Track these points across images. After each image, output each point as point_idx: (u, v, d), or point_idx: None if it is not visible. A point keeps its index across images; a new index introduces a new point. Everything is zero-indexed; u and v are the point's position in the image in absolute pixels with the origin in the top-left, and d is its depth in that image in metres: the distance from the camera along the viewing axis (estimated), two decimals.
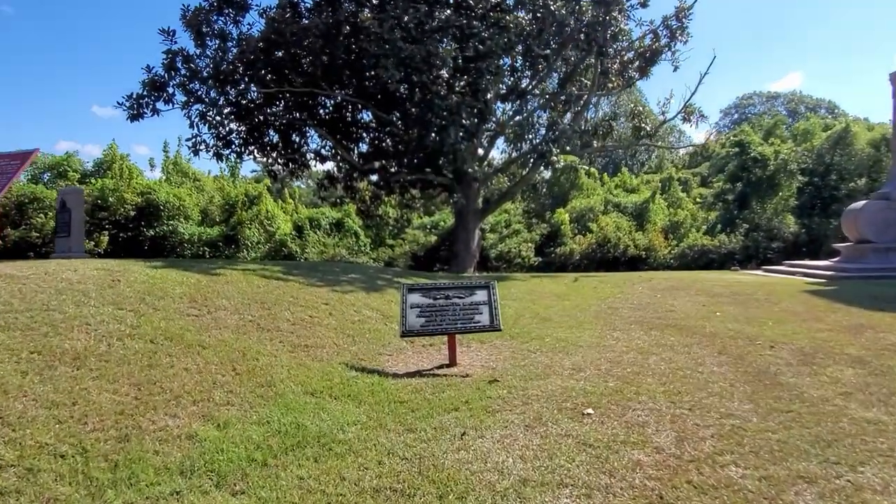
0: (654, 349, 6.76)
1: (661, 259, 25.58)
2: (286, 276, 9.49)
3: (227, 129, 15.62)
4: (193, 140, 15.28)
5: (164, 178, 25.84)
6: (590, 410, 4.67)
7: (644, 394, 5.09)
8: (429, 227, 28.22)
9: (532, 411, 4.69)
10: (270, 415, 4.56)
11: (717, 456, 3.87)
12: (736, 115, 61.90)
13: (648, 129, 20.68)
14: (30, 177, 24.16)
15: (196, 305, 6.90)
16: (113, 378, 4.81)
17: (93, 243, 18.31)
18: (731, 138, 32.72)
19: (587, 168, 31.82)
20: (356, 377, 5.56)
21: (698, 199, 33.64)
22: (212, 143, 15.57)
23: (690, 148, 40.52)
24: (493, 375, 5.68)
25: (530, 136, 18.79)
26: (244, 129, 15.87)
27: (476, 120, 17.89)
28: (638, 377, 5.61)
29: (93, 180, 20.38)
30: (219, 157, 15.65)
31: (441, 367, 6.13)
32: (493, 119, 19.24)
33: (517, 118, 18.36)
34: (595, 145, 20.57)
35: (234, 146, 15.94)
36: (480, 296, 6.28)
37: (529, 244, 26.22)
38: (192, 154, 15.41)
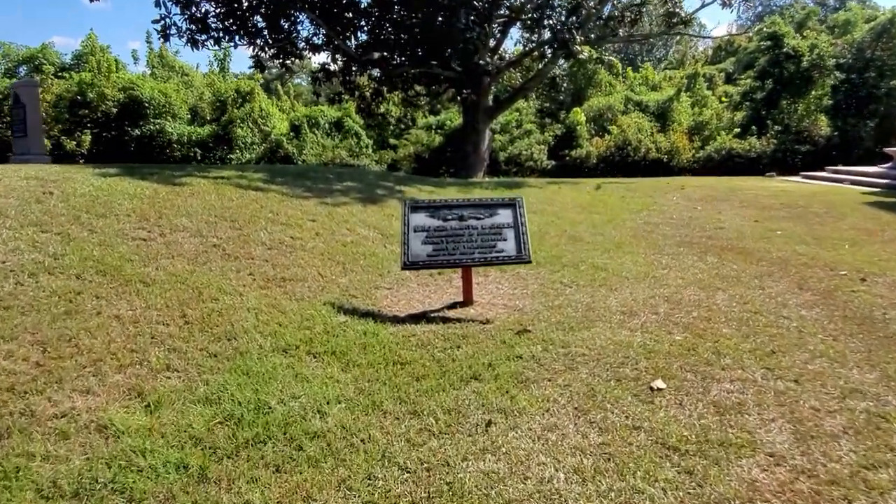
0: (716, 282, 5.44)
1: (685, 163, 23.89)
2: (267, 185, 8.05)
3: (202, 9, 13.52)
4: (162, 22, 13.26)
5: (148, 72, 23.79)
6: (659, 383, 3.40)
7: (726, 354, 3.82)
8: (434, 127, 26.24)
9: (580, 383, 3.43)
10: (224, 386, 3.33)
11: (867, 471, 2.62)
12: (760, 8, 57.05)
13: (683, 14, 18.27)
14: (3, 70, 22.20)
15: (147, 225, 5.54)
16: (11, 333, 3.54)
17: (74, 143, 16.93)
18: (764, 30, 29.82)
19: (612, 60, 29.18)
20: (344, 324, 4.28)
21: (724, 98, 31.25)
22: (184, 26, 13.54)
23: (722, 38, 37.29)
24: (521, 322, 4.40)
25: (550, 22, 16.54)
26: (222, 10, 13.75)
27: (487, 4, 15.62)
28: (710, 326, 4.33)
29: (72, 74, 18.60)
30: (194, 43, 13.67)
31: (453, 305, 4.85)
32: (507, 4, 16.90)
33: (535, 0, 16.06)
34: (621, 34, 18.27)
35: (211, 31, 13.89)
36: (504, 216, 4.87)
37: (542, 146, 24.38)
38: (161, 39, 13.44)
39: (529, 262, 4.73)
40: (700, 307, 4.73)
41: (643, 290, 5.19)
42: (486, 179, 16.37)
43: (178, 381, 3.38)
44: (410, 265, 4.65)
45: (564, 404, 3.20)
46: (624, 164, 23.29)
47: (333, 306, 4.59)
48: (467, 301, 4.89)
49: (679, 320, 4.44)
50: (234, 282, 4.78)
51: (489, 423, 3.00)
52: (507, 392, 3.34)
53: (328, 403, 3.23)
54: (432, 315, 4.63)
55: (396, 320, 4.47)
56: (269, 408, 3.13)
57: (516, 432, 2.93)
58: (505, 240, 4.76)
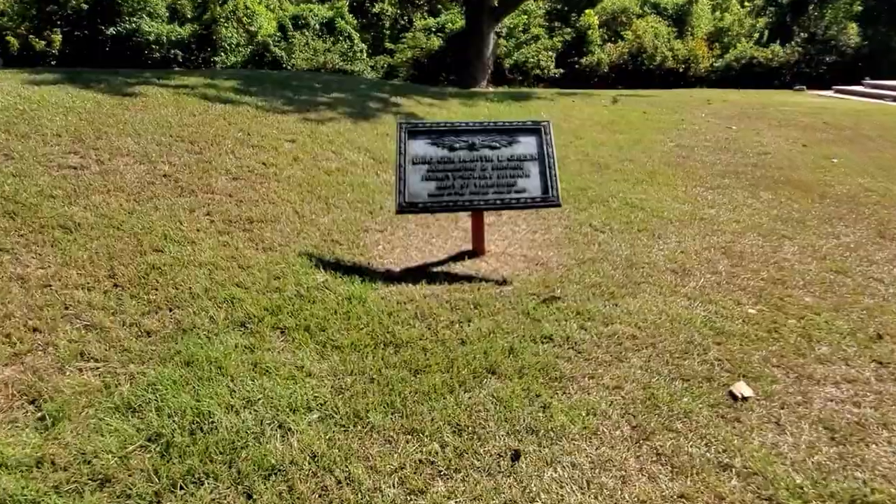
0: (779, 227, 4.48)
1: (702, 73, 22.28)
2: (240, 96, 6.85)
3: None
4: None
5: None
6: (743, 388, 2.53)
7: (819, 338, 2.93)
8: (434, 29, 24.17)
9: (634, 384, 2.56)
10: (154, 385, 2.45)
11: None
12: None
13: None
14: None
15: (81, 149, 4.48)
16: None
17: (45, 43, 15.41)
18: None
19: None
20: (324, 284, 3.35)
21: (746, 3, 28.90)
22: None
23: None
24: (546, 283, 3.47)
25: None
26: None
27: None
28: (786, 293, 3.42)
29: None
30: None
31: (461, 256, 3.91)
32: None
33: None
34: None
35: None
36: (526, 145, 3.82)
37: (550, 53, 22.54)
38: None
39: (559, 205, 3.73)
40: (768, 264, 3.81)
41: (693, 237, 4.24)
42: (491, 90, 14.98)
43: (93, 376, 2.50)
44: (407, 208, 3.65)
45: (617, 421, 2.34)
46: (638, 73, 21.67)
47: (311, 258, 3.64)
48: (478, 251, 3.95)
49: (746, 284, 3.52)
50: (186, 225, 3.80)
51: (516, 456, 2.14)
52: (536, 397, 2.47)
53: (295, 412, 2.36)
54: (434, 270, 3.70)
55: (389, 277, 3.54)
56: (212, 423, 2.26)
57: (555, 471, 2.08)
58: (527, 176, 3.74)
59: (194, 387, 2.45)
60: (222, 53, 19.83)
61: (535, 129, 3.89)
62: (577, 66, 22.49)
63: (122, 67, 14.02)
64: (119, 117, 5.17)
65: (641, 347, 2.84)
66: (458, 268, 3.73)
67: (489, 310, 3.16)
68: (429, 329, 3.00)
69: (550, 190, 3.68)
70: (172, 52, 18.16)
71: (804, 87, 16.49)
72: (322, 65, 21.14)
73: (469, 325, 3.02)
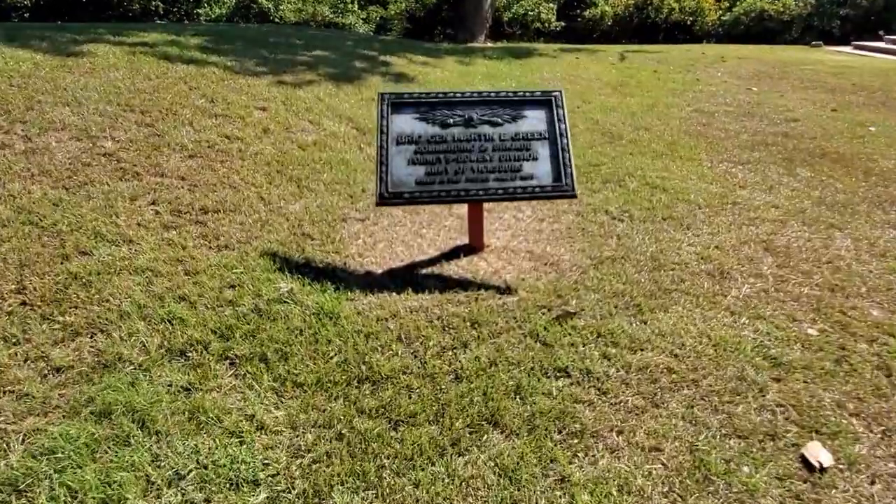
0: (824, 213, 3.87)
1: (709, 27, 21.27)
2: (207, 55, 6.08)
3: None
4: None
5: None
6: (819, 451, 1.97)
7: None
8: None
9: (677, 443, 1.99)
10: (53, 450, 1.87)
11: None
12: None
13: None
14: None
15: (4, 122, 3.79)
16: None
17: None
18: None
19: None
20: (288, 295, 2.74)
21: None
22: None
23: None
24: (558, 291, 2.87)
25: None
26: None
27: None
28: (849, 304, 2.83)
29: None
30: None
31: (456, 252, 3.29)
32: None
33: None
34: None
35: None
36: (534, 121, 3.16)
37: (550, 5, 21.42)
38: None
39: (574, 195, 3.09)
40: (820, 264, 3.20)
41: (727, 227, 3.62)
42: (490, 45, 14.07)
43: None
44: (390, 199, 3.00)
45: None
46: (642, 27, 20.66)
47: (275, 259, 3.02)
48: (476, 246, 3.33)
49: (799, 292, 2.93)
50: (124, 219, 3.16)
51: None
52: (551, 462, 1.91)
53: (237, 490, 1.79)
54: (424, 272, 3.09)
55: (370, 283, 2.93)
56: None
57: None
58: (535, 159, 3.08)
59: (106, 454, 1.88)
60: (206, 5, 18.81)
61: (544, 101, 3.22)
62: (578, 19, 21.42)
63: (100, 21, 13.06)
64: (58, 82, 4.45)
65: (681, 385, 2.26)
66: (451, 268, 3.12)
67: (490, 330, 2.57)
68: (415, 357, 2.41)
69: (564, 177, 3.03)
70: (154, 3, 17.17)
71: (821, 42, 15.57)
72: (312, 17, 20.05)
73: (465, 353, 2.43)
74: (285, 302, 2.71)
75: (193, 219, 3.28)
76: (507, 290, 2.90)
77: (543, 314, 2.69)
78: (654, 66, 9.99)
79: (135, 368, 2.25)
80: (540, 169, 3.07)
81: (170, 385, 2.19)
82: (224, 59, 5.96)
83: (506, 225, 3.68)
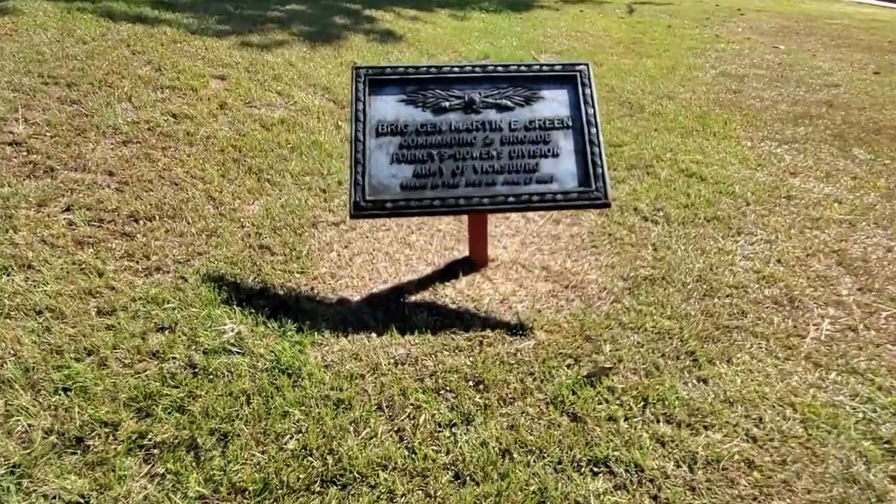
0: None
1: None
2: (160, 11, 5.21)
3: None
4: None
5: None
6: None
7: None
8: None
9: None
10: None
11: None
12: None
13: None
14: None
15: None
16: None
17: None
18: None
19: None
20: (235, 341, 2.08)
21: None
22: None
23: None
24: (585, 331, 2.22)
25: None
26: None
27: None
28: None
29: None
30: None
31: (452, 269, 2.62)
32: None
33: None
34: None
35: None
36: (553, 104, 2.44)
37: None
38: None
39: (607, 204, 2.39)
40: None
41: (785, 231, 2.95)
42: None
43: None
44: (368, 209, 2.30)
45: None
46: None
47: (221, 286, 2.34)
48: (477, 261, 2.66)
49: (893, 328, 2.29)
50: (25, 234, 2.45)
51: None
52: None
53: None
54: (413, 299, 2.42)
55: (343, 317, 2.27)
56: None
57: None
58: (556, 155, 2.37)
59: None
60: None
61: (566, 77, 2.49)
62: None
63: None
64: None
65: (769, 492, 1.63)
66: (448, 293, 2.45)
67: (500, 394, 1.93)
68: (400, 441, 1.78)
69: (593, 179, 2.33)
70: None
71: None
72: None
73: (467, 433, 1.79)
74: (230, 352, 2.06)
75: (118, 230, 2.58)
76: (519, 328, 2.24)
77: (569, 367, 2.04)
78: (667, 19, 9.11)
79: (6, 473, 1.60)
80: (562, 168, 2.37)
81: (53, 499, 1.55)
82: (180, 17, 5.11)
83: (514, 228, 3.00)
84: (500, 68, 2.50)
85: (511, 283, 2.53)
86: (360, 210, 2.29)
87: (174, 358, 2.00)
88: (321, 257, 2.64)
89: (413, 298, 2.43)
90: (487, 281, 2.55)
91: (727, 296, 2.44)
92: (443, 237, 2.87)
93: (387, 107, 2.41)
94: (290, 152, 3.42)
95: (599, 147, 2.38)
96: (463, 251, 2.72)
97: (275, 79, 4.29)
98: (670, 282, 2.52)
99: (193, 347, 2.05)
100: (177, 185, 2.94)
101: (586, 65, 2.52)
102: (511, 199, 2.31)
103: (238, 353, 2.05)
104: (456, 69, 2.49)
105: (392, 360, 2.06)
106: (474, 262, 2.66)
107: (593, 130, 2.41)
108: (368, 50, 5.31)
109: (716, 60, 6.33)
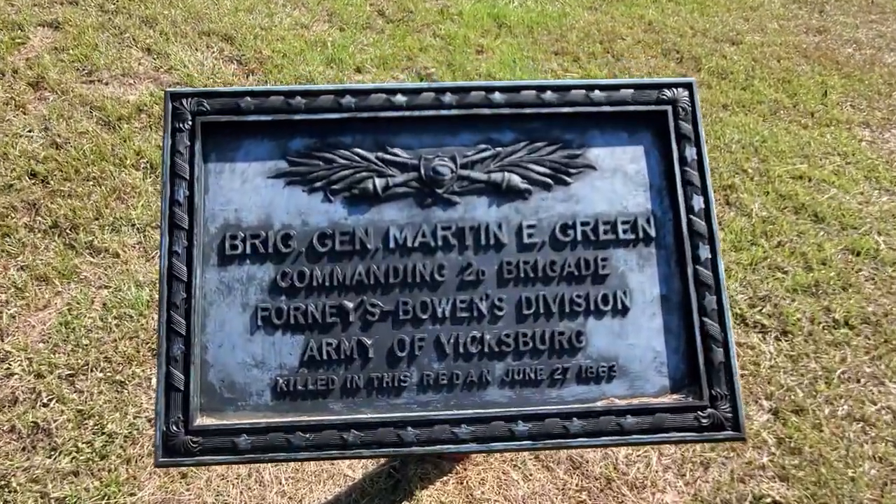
0: None
1: None
2: None
3: None
4: None
5: None
6: None
7: None
8: None
9: None
10: None
11: None
12: None
13: None
14: None
15: None
16: None
17: None
18: None
19: None
20: None
21: None
22: None
23: None
24: None
25: None
26: None
27: None
28: None
29: None
30: None
31: None
32: None
33: None
34: None
35: None
36: (619, 176, 1.10)
37: None
38: None
39: (742, 438, 1.10)
40: None
41: None
42: None
43: None
44: (197, 449, 1.01)
45: None
46: None
47: None
48: None
49: None
50: None
51: None
52: None
53: None
54: None
55: None
56: None
57: None
58: (621, 310, 1.06)
59: None
60: None
61: (649, 114, 1.12)
62: None
63: None
64: None
65: None
66: None
67: None
68: None
69: (706, 375, 1.03)
70: None
71: None
72: None
73: None
74: None
75: None
76: None
77: None
78: None
79: None
80: (634, 343, 1.06)
81: None
82: None
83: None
84: (498, 94, 1.11)
85: None
86: (166, 456, 0.99)
87: None
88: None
89: None
90: None
91: None
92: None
93: (246, 190, 1.06)
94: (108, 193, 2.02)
95: (719, 287, 1.06)
96: None
97: (146, 23, 2.75)
98: None
99: None
100: None
101: (689, 85, 1.13)
102: (519, 424, 1.01)
103: None
104: (401, 97, 1.10)
105: None
106: None
107: (702, 244, 1.07)
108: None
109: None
